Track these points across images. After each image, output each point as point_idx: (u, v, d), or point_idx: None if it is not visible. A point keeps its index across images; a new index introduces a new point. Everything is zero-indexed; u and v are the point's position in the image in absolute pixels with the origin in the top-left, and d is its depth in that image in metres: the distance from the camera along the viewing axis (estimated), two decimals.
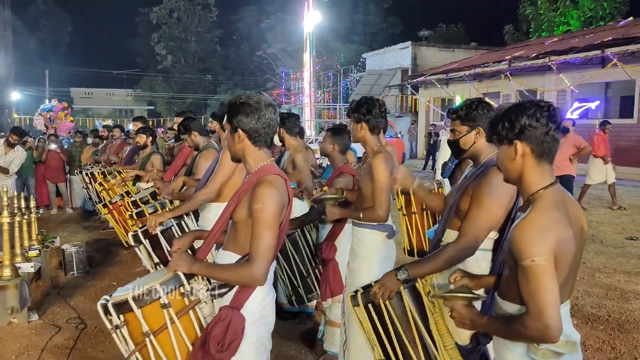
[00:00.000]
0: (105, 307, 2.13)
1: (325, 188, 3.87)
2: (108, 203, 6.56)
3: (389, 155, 3.26)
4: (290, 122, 4.94)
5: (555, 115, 1.85)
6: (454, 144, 2.72)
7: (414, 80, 25.34)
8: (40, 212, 7.33)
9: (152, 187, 5.79)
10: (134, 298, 2.09)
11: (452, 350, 2.47)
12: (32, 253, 5.47)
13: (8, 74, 25.44)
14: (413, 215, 4.39)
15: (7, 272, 4.71)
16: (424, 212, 4.38)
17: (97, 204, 8.08)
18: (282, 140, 5.07)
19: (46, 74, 38.64)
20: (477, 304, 2.40)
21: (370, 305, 2.50)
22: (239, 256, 2.21)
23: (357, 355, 3.27)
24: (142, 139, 6.62)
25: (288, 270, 4.26)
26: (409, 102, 27.41)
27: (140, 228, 3.66)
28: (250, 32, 45.29)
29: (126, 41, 52.40)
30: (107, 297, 2.18)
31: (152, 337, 2.09)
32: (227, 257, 2.25)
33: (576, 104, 17.90)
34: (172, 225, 3.67)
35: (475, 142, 2.62)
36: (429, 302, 2.52)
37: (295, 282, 4.25)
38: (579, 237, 1.88)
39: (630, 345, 4.36)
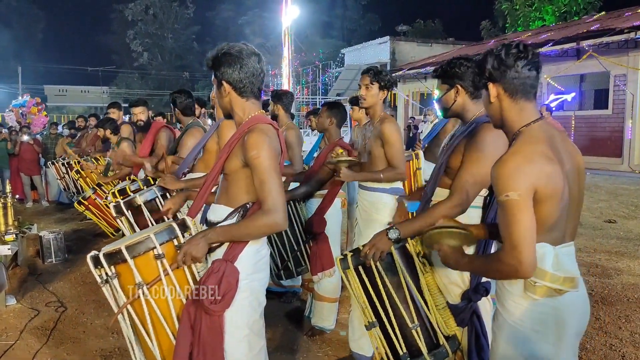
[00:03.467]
0: (96, 259, 2.05)
1: (340, 151, 3.88)
2: (82, 199, 6.43)
3: (395, 120, 3.48)
4: (287, 99, 4.89)
5: (523, 52, 1.84)
6: (438, 103, 2.72)
7: (393, 75, 25.39)
8: (17, 197, 7.17)
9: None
10: (127, 247, 2.02)
11: (444, 310, 2.46)
12: (9, 237, 5.31)
13: None
14: None
15: None
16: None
17: (74, 195, 7.92)
18: (275, 117, 4.99)
19: (19, 70, 37.79)
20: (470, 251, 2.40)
21: (360, 267, 2.46)
22: (231, 209, 2.15)
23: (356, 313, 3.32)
24: (101, 132, 6.53)
25: (279, 244, 4.22)
26: (388, 96, 27.48)
27: (122, 199, 3.57)
28: (227, 29, 44.94)
29: (101, 38, 51.62)
30: (96, 251, 2.11)
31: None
32: (220, 210, 2.19)
33: (552, 96, 18.12)
34: (157, 196, 3.58)
35: (455, 100, 2.60)
36: (419, 262, 2.50)
37: (286, 256, 4.22)
38: (573, 173, 1.86)
39: (614, 316, 4.41)
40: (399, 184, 3.49)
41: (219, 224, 2.14)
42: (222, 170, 2.22)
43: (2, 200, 5.38)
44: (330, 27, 42.64)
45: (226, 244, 2.11)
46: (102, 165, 6.92)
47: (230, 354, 2.10)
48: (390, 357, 2.42)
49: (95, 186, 6.50)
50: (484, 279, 2.46)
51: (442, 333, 2.40)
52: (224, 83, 2.20)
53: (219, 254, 2.13)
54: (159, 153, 5.06)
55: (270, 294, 4.84)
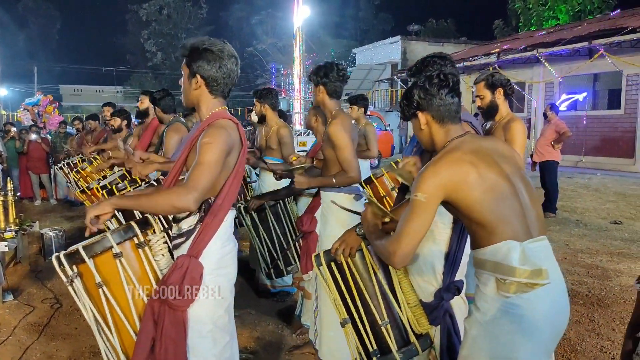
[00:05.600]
0: (58, 259, 2.08)
1: (293, 158, 3.87)
2: (86, 189, 6.49)
3: (347, 118, 3.34)
4: (273, 96, 4.90)
5: (444, 81, 2.00)
6: None
7: (404, 75, 25.29)
8: (19, 195, 7.26)
9: (120, 170, 5.74)
10: (84, 247, 2.04)
11: (416, 308, 2.43)
12: (8, 234, 5.38)
13: None
14: (384, 199, 4.38)
15: None
16: (394, 190, 4.38)
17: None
18: (263, 117, 4.99)
19: (34, 70, 38.30)
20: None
21: (333, 264, 2.46)
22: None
23: (327, 318, 3.27)
24: (116, 121, 6.56)
25: (268, 243, 4.24)
26: (398, 96, 27.37)
27: None
28: (240, 29, 45.11)
29: (116, 38, 51.98)
30: (63, 250, 2.14)
31: (104, 288, 2.04)
32: None
33: (564, 96, 17.94)
34: None
35: None
36: None
37: (275, 255, 4.23)
38: (514, 172, 1.94)
39: (609, 318, 4.35)
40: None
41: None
42: (185, 167, 2.23)
43: (1, 197, 5.45)
44: (342, 27, 42.55)
45: (190, 240, 2.11)
46: (98, 164, 6.96)
47: (193, 348, 2.11)
48: (363, 354, 2.42)
49: (100, 178, 6.57)
50: (457, 278, 2.44)
51: (413, 331, 2.38)
52: (198, 76, 2.20)
53: (183, 249, 2.14)
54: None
55: (264, 293, 4.93)
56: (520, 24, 29.63)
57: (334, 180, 3.28)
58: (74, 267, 2.06)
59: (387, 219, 2.25)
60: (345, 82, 3.44)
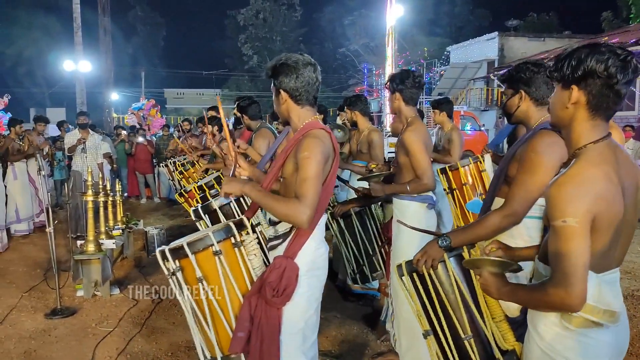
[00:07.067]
0: (163, 253, 2.27)
1: (372, 165, 3.91)
2: (183, 192, 6.89)
3: (421, 125, 3.36)
4: (362, 103, 5.02)
5: (629, 68, 1.60)
6: (503, 107, 2.64)
7: (501, 72, 24.38)
8: (126, 195, 7.80)
9: (215, 173, 6.03)
10: (188, 244, 2.22)
11: (501, 323, 2.36)
12: (116, 232, 5.84)
13: (108, 76, 27.15)
14: (454, 191, 4.33)
15: (91, 247, 5.08)
16: (464, 186, 4.32)
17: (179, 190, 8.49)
18: (354, 122, 5.13)
19: (142, 75, 41.02)
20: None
21: (415, 275, 2.45)
22: None
23: (404, 326, 3.28)
24: (208, 129, 6.90)
25: (354, 248, 4.29)
26: (494, 95, 26.42)
27: (201, 204, 3.82)
28: (333, 30, 45.50)
29: (215, 43, 54.38)
30: (165, 245, 2.33)
31: (204, 282, 2.21)
32: None
33: None
34: (231, 201, 3.77)
35: (519, 106, 2.50)
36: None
37: (361, 260, 4.28)
38: (632, 196, 1.69)
39: None
40: (429, 192, 3.42)
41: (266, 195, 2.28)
42: (281, 174, 2.36)
43: (111, 198, 5.92)
44: (436, 25, 41.58)
45: (286, 242, 2.27)
46: (200, 168, 7.35)
47: (285, 344, 2.26)
48: None
49: (196, 181, 6.95)
50: None
51: (498, 347, 2.32)
52: (281, 91, 2.35)
53: (280, 250, 2.29)
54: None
55: (350, 296, 4.98)
56: (632, 15, 27.44)
57: (407, 187, 3.32)
58: (177, 261, 2.25)
59: (510, 270, 1.91)
60: (421, 89, 3.47)
